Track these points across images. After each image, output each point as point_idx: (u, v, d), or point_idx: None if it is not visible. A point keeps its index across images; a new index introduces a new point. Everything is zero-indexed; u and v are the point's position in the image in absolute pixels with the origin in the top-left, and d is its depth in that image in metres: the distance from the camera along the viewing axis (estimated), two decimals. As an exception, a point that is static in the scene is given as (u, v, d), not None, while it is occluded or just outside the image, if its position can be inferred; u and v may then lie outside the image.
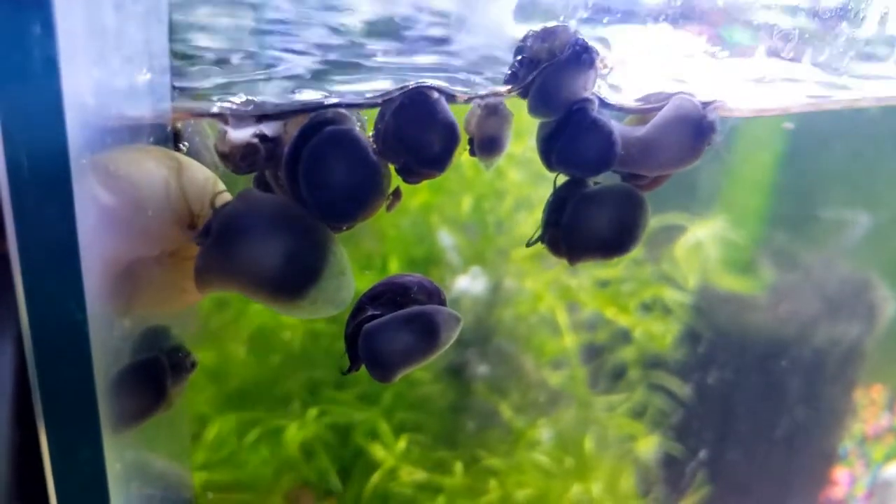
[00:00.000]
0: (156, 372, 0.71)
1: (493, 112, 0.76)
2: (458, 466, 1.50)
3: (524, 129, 1.28)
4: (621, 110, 0.87)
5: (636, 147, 0.81)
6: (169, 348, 0.76)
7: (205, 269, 0.67)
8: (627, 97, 0.86)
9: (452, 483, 1.48)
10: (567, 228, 0.80)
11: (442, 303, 0.78)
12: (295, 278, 0.68)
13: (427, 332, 0.73)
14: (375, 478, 1.44)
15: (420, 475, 1.47)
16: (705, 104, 0.82)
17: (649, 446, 1.70)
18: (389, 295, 0.76)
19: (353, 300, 0.76)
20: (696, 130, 0.80)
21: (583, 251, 0.82)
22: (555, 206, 0.82)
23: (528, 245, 0.84)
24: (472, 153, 0.78)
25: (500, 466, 1.53)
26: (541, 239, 0.83)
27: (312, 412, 1.43)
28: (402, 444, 1.46)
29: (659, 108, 0.83)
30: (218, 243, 0.66)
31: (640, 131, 0.81)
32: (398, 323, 0.72)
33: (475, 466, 1.53)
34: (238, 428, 1.40)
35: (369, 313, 0.73)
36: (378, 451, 1.44)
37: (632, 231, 0.81)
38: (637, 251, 1.64)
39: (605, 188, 0.81)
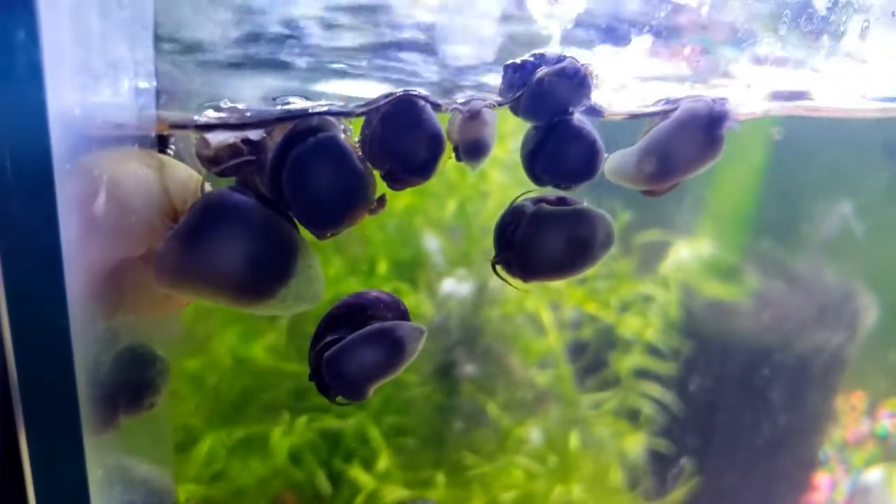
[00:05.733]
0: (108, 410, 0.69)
1: (475, 116, 0.76)
2: (443, 475, 1.50)
3: (507, 133, 1.29)
4: (633, 117, 0.88)
5: (655, 158, 0.81)
6: (139, 378, 0.75)
7: (166, 262, 0.65)
8: (626, 105, 0.87)
9: (440, 492, 1.48)
10: (519, 250, 0.79)
11: (402, 314, 0.78)
12: (260, 279, 0.67)
13: (391, 348, 0.73)
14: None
15: (409, 480, 1.47)
16: (713, 99, 0.82)
17: (633, 447, 1.71)
18: (347, 317, 0.76)
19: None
20: (708, 122, 0.81)
21: (535, 273, 0.80)
22: (504, 230, 0.81)
23: (494, 269, 0.83)
24: (458, 158, 0.79)
25: (489, 469, 1.54)
26: (495, 262, 0.82)
27: (302, 420, 1.42)
28: (384, 462, 1.46)
29: (660, 113, 0.84)
30: (181, 237, 0.65)
31: (652, 144, 0.82)
32: (359, 344, 0.72)
33: (465, 468, 1.53)
34: (224, 436, 1.40)
35: (328, 339, 0.73)
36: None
37: (585, 250, 0.79)
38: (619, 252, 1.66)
39: (556, 210, 0.79)
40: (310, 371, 0.75)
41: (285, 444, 1.40)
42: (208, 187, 0.71)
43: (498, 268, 0.81)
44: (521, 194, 0.82)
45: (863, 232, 1.80)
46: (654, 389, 1.72)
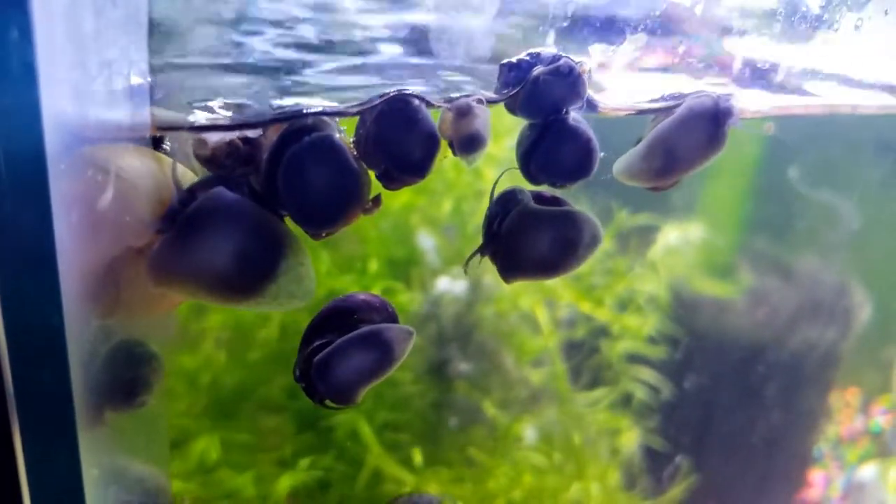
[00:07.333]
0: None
1: (465, 112, 0.76)
2: (443, 469, 1.50)
3: (503, 131, 1.29)
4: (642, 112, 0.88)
5: (660, 153, 0.82)
6: (132, 375, 0.75)
7: (159, 261, 0.65)
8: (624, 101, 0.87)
9: (438, 484, 1.48)
10: (502, 247, 0.79)
11: (391, 317, 0.77)
12: (250, 276, 0.67)
13: (380, 350, 0.73)
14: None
15: (406, 478, 1.46)
16: (719, 96, 0.83)
17: (628, 444, 1.71)
18: (335, 321, 0.76)
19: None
20: (714, 118, 0.81)
21: (517, 271, 0.80)
22: (491, 222, 0.80)
23: (466, 263, 0.82)
24: (454, 153, 0.79)
25: (486, 464, 1.54)
26: (481, 253, 0.81)
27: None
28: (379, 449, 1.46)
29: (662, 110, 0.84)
30: (174, 237, 0.64)
31: (657, 140, 0.82)
32: (348, 347, 0.72)
33: (459, 464, 1.53)
34: (218, 435, 1.39)
35: (316, 343, 0.73)
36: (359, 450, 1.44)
37: (570, 250, 0.79)
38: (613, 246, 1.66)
39: (544, 210, 0.79)
40: (298, 374, 0.75)
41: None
42: (182, 170, 0.70)
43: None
44: (500, 176, 0.82)
45: (857, 228, 1.81)
46: (649, 386, 1.72)
